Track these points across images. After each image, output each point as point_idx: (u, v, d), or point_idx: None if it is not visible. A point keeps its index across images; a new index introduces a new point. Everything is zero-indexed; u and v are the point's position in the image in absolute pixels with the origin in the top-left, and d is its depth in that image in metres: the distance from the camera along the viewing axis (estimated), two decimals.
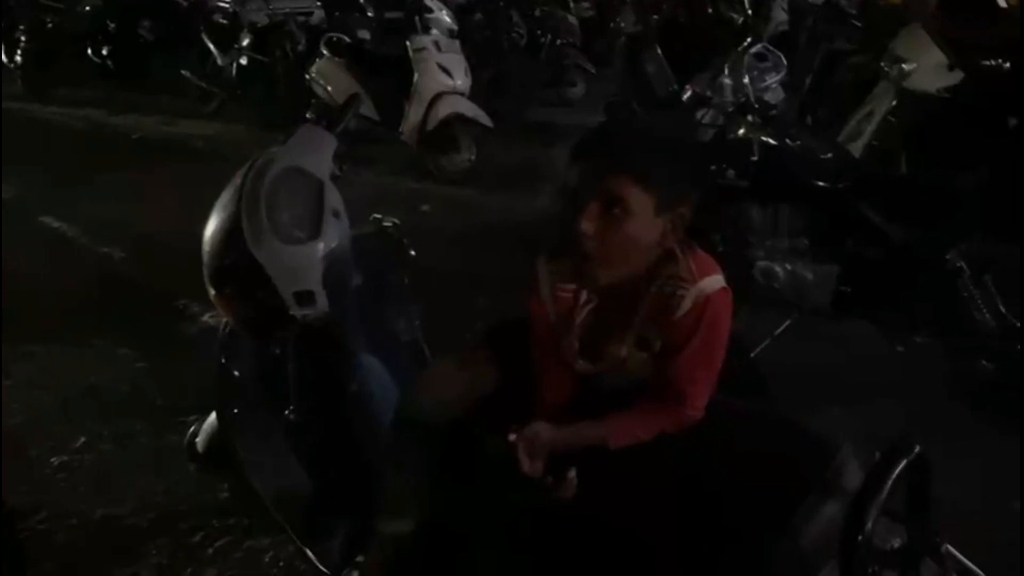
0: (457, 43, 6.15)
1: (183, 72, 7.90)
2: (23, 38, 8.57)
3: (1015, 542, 2.17)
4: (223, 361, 1.72)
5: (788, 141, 3.06)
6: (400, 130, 5.86)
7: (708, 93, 3.46)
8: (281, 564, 2.24)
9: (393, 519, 1.60)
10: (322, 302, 1.51)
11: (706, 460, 1.29)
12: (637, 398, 1.41)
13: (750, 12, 6.45)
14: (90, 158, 6.45)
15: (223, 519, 2.39)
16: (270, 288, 1.47)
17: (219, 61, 7.71)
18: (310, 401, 1.69)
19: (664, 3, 6.87)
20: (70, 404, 3.00)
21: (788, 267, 3.01)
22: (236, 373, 1.73)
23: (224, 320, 1.68)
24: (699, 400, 1.38)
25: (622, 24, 7.26)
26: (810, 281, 3.00)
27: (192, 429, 2.15)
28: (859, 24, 5.82)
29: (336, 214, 1.57)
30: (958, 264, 2.72)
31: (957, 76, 3.88)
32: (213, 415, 1.94)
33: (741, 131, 3.12)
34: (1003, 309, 2.68)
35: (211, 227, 1.55)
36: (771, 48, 4.10)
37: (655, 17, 6.66)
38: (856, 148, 3.97)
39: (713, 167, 3.05)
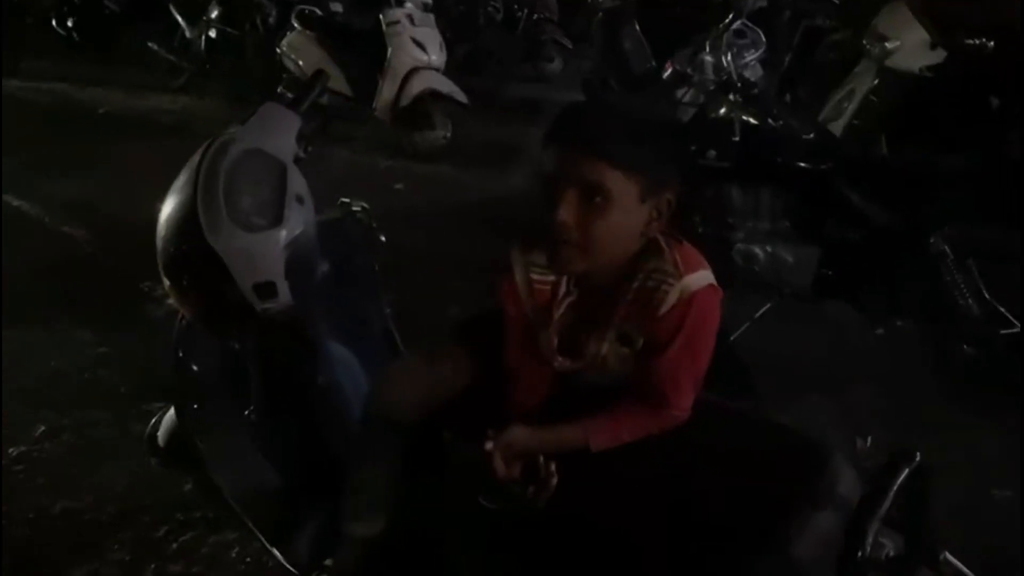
0: (432, 17, 6.02)
1: (150, 45, 7.68)
2: None
3: (997, 531, 2.16)
4: (180, 355, 1.63)
5: (771, 121, 3.00)
6: (374, 106, 5.75)
7: (689, 70, 3.39)
8: (248, 560, 2.18)
9: (362, 520, 1.52)
10: (284, 294, 1.42)
11: (692, 465, 1.23)
12: (618, 397, 1.35)
13: None
14: (53, 133, 6.26)
15: (188, 513, 2.31)
16: (228, 280, 1.38)
17: (187, 34, 7.52)
18: (274, 398, 1.61)
19: None
20: (28, 391, 2.88)
21: (768, 249, 2.98)
22: (195, 368, 1.64)
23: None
24: (684, 401, 1.31)
25: None
26: (791, 264, 2.98)
27: (153, 422, 2.06)
28: (839, 1, 5.75)
29: (300, 199, 1.47)
30: (942, 248, 2.69)
31: (940, 55, 3.83)
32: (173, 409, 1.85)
33: (722, 110, 3.06)
34: (986, 294, 2.64)
35: (165, 212, 1.46)
36: (750, 24, 4.04)
37: None
38: (837, 128, 3.93)
39: (694, 147, 2.98)
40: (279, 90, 5.66)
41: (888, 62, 3.98)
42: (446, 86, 5.64)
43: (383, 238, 1.88)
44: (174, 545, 2.23)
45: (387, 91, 5.66)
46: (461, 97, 5.66)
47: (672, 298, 1.26)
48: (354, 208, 1.86)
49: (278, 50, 6.15)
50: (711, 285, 1.29)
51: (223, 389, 1.67)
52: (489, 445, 1.24)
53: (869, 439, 2.38)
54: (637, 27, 5.79)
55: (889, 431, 2.53)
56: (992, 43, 3.62)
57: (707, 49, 3.34)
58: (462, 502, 1.38)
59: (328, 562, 1.64)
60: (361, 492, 1.52)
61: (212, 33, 7.25)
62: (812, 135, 3.05)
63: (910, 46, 3.93)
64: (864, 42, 4.13)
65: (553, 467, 1.24)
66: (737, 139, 2.91)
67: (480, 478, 1.25)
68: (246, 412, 1.62)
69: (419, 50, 5.69)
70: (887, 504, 0.94)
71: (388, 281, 2.00)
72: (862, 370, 2.98)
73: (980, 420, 2.65)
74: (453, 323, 1.55)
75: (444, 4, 7.23)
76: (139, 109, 7.29)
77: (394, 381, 1.51)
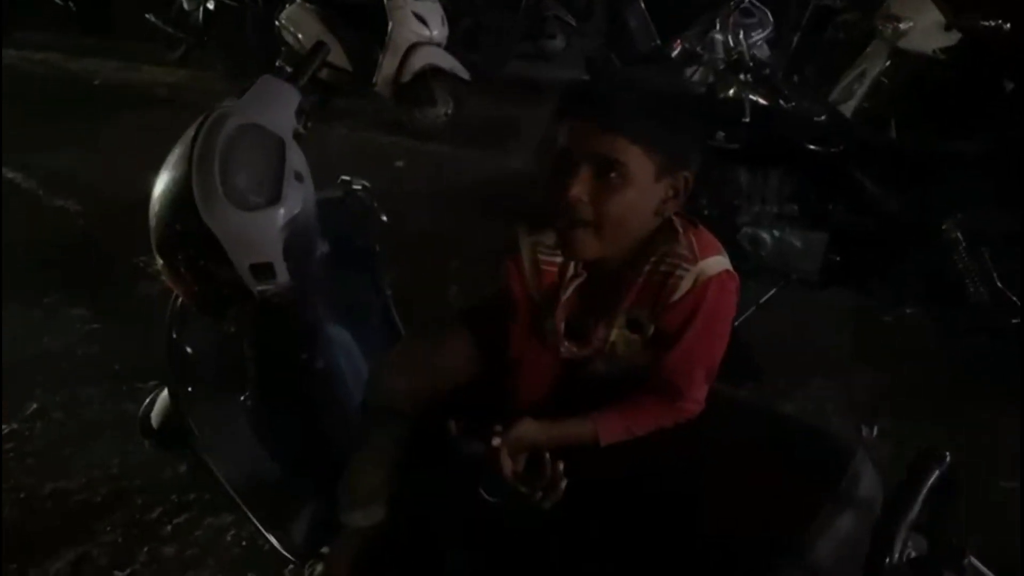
0: None
1: (148, 16, 7.57)
2: None
3: (1005, 520, 2.13)
4: (174, 336, 1.57)
5: (782, 102, 2.93)
6: (374, 82, 5.65)
7: (699, 49, 3.31)
8: (244, 543, 2.15)
9: (360, 509, 1.48)
10: (283, 275, 1.36)
11: (706, 461, 1.17)
12: (627, 386, 1.29)
13: None
14: (48, 104, 6.18)
15: (182, 494, 2.28)
16: (224, 260, 1.32)
17: (185, 5, 7.38)
18: (271, 383, 1.56)
19: None
20: (19, 369, 2.82)
21: (776, 234, 2.93)
22: (189, 350, 1.58)
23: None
24: (697, 393, 1.26)
25: None
26: (798, 249, 2.92)
27: (147, 402, 2.00)
28: None
29: (299, 176, 1.41)
30: (954, 235, 2.63)
31: (954, 36, 3.75)
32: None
33: (732, 90, 2.98)
34: (999, 283, 2.59)
35: (158, 189, 1.39)
36: (757, 3, 3.95)
37: None
38: (847, 110, 3.85)
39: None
40: (278, 64, 5.57)
41: (901, 43, 3.89)
42: (448, 62, 5.55)
43: (384, 218, 1.82)
44: (168, 527, 2.19)
45: (388, 66, 5.56)
46: (463, 73, 5.58)
47: (686, 284, 1.20)
48: (355, 186, 1.80)
49: (277, 23, 6.03)
50: (727, 271, 1.23)
51: (218, 373, 1.61)
52: (496, 441, 1.19)
53: (876, 428, 2.34)
54: (642, 4, 5.70)
55: (896, 419, 2.49)
56: (1008, 25, 3.54)
57: (717, 27, 3.25)
58: (463, 494, 1.33)
59: (325, 550, 1.60)
60: (359, 480, 1.47)
61: (210, 4, 7.11)
62: (824, 117, 2.98)
63: (923, 27, 3.84)
64: (876, 22, 4.04)
65: (561, 467, 1.18)
66: (747, 120, 2.84)
67: (481, 471, 1.20)
68: (242, 398, 1.56)
69: (421, 24, 5.59)
70: (916, 508, 0.89)
71: (389, 260, 1.94)
72: (869, 358, 2.94)
73: (989, 409, 2.61)
74: (456, 311, 1.50)
75: None
76: (135, 81, 7.21)
77: (394, 367, 1.45)
